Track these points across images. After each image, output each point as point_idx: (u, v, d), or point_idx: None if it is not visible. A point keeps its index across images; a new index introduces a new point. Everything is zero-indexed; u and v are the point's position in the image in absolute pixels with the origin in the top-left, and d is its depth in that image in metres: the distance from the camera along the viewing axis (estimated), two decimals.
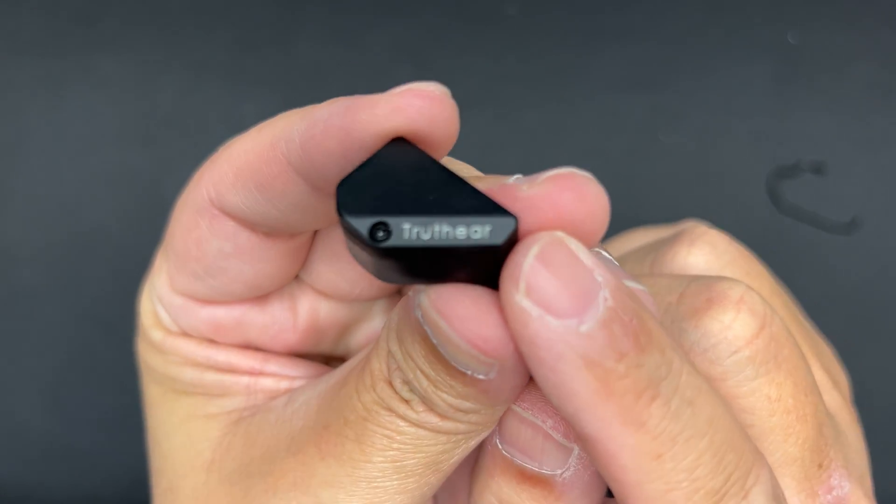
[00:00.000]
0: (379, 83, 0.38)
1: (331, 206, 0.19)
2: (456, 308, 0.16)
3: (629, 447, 0.15)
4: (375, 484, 0.18)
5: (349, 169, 0.16)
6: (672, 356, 0.15)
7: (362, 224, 0.15)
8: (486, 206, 0.15)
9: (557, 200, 0.15)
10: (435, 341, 0.16)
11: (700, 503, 0.15)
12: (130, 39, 0.38)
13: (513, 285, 0.15)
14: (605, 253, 0.17)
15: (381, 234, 0.15)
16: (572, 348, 0.14)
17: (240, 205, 0.20)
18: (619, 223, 0.37)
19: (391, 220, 0.15)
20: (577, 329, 0.14)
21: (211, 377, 0.22)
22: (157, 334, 0.23)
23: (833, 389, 0.22)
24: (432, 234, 0.15)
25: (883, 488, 0.35)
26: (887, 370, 0.37)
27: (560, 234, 0.15)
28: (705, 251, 0.22)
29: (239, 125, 0.38)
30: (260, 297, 0.23)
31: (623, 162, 0.38)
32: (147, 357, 0.23)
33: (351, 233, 0.15)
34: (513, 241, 0.15)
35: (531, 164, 0.38)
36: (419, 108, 0.16)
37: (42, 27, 0.39)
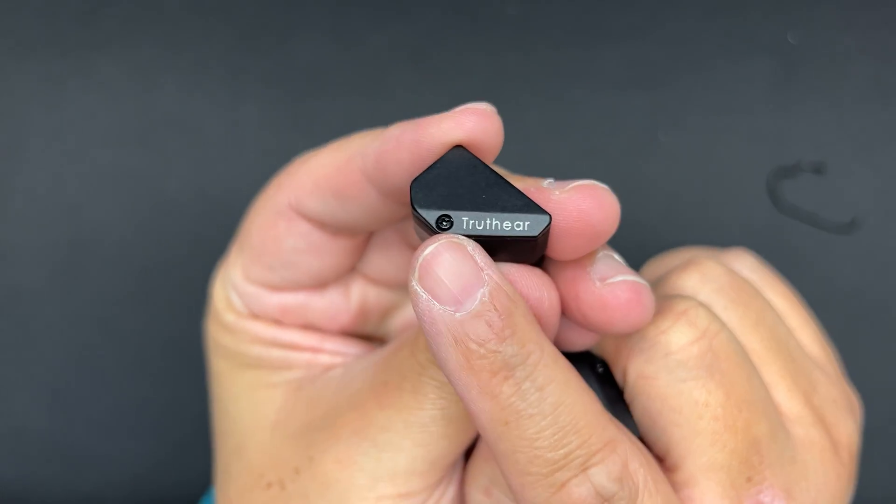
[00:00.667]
0: (379, 83, 0.38)
1: (393, 209, 0.23)
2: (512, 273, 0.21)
3: (485, 412, 0.19)
4: (425, 429, 0.23)
5: (417, 173, 0.20)
6: (532, 349, 0.19)
7: (430, 215, 0.19)
8: (527, 205, 0.20)
9: (581, 205, 0.20)
10: None
11: (540, 466, 0.19)
12: (130, 39, 0.39)
13: (410, 272, 0.19)
14: (614, 255, 0.22)
15: (445, 223, 0.19)
16: (447, 328, 0.19)
17: (316, 209, 0.24)
18: (620, 223, 0.37)
19: (453, 214, 0.20)
20: (452, 314, 0.19)
21: (276, 353, 0.26)
22: (230, 317, 0.27)
23: (813, 425, 0.23)
24: (485, 226, 0.19)
25: (884, 488, 0.35)
26: (887, 370, 0.37)
27: (461, 238, 0.19)
28: (694, 277, 0.24)
29: (239, 125, 0.38)
30: (321, 284, 0.26)
31: (623, 162, 0.38)
32: (218, 336, 0.27)
33: (421, 222, 0.20)
34: (546, 233, 0.20)
35: (531, 164, 0.38)
36: (475, 122, 0.20)
37: (42, 27, 0.39)
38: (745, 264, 0.26)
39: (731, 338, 0.22)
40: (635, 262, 0.37)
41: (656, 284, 0.25)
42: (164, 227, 0.38)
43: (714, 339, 0.22)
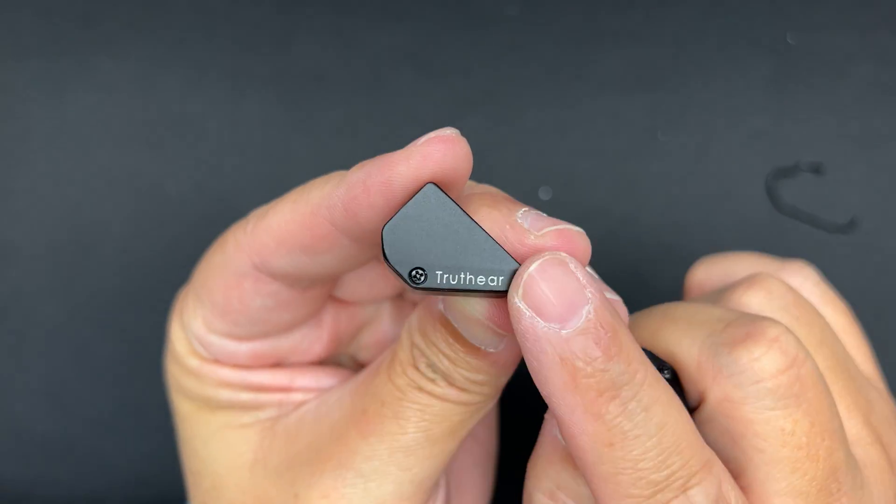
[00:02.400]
0: (379, 83, 0.38)
1: (368, 251, 0.23)
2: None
3: (588, 433, 0.19)
4: (410, 453, 0.23)
5: (390, 215, 0.20)
6: (637, 368, 0.19)
7: (404, 268, 0.19)
8: (501, 258, 0.20)
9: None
10: (457, 325, 0.21)
11: (642, 488, 0.19)
12: (131, 40, 0.38)
13: (514, 288, 0.19)
14: (590, 270, 0.21)
15: (419, 276, 0.19)
16: (552, 346, 0.19)
17: (284, 267, 0.23)
18: (620, 223, 0.37)
19: (427, 267, 0.19)
20: (559, 332, 0.18)
21: (246, 396, 0.25)
22: (193, 362, 0.26)
23: (872, 445, 0.23)
24: (459, 280, 0.19)
25: None
26: (887, 370, 0.38)
27: (563, 254, 0.19)
28: (759, 295, 0.24)
29: (239, 125, 0.38)
30: (292, 328, 0.26)
31: (623, 162, 0.38)
32: (181, 379, 0.26)
33: (394, 272, 0.19)
34: None
35: (531, 164, 0.38)
36: (443, 151, 0.20)
37: (43, 28, 0.39)
38: (807, 279, 0.26)
39: (815, 365, 0.22)
40: (634, 261, 0.37)
41: (720, 297, 0.25)
42: (165, 227, 0.38)
43: (802, 368, 0.21)
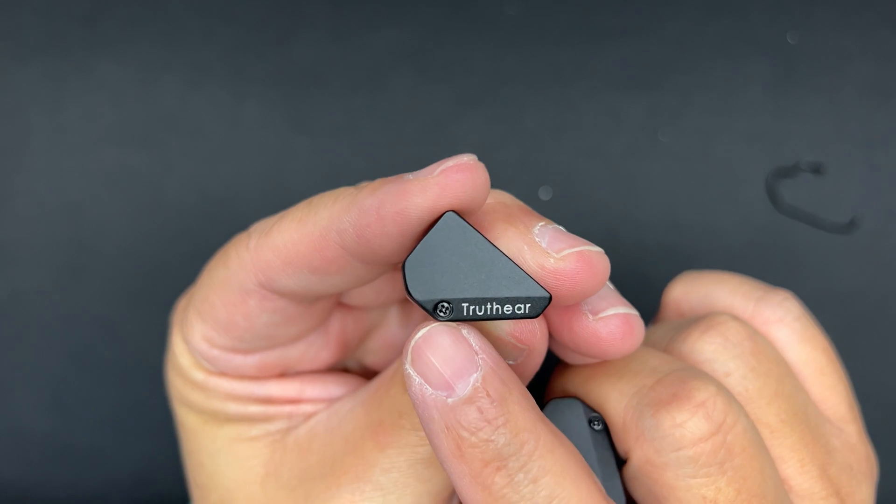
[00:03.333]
0: (379, 83, 0.38)
1: (380, 270, 0.22)
2: None
3: (477, 502, 0.19)
4: (429, 464, 0.22)
5: (406, 244, 0.20)
6: (526, 438, 0.19)
7: (428, 304, 0.19)
8: (526, 285, 0.19)
9: (576, 277, 0.20)
10: None
11: None
12: (130, 40, 0.38)
13: (404, 355, 0.19)
14: (610, 286, 0.22)
15: (445, 310, 0.19)
16: (439, 414, 0.18)
17: (291, 286, 0.22)
18: (620, 223, 0.37)
19: (452, 300, 0.19)
20: (445, 400, 0.18)
21: (254, 409, 0.25)
22: (198, 375, 0.25)
23: (825, 499, 0.23)
24: (486, 311, 0.19)
25: (884, 487, 0.35)
26: (887, 370, 0.38)
27: (452, 325, 0.19)
28: (715, 342, 0.23)
29: (239, 125, 0.38)
30: (298, 338, 0.25)
31: (623, 162, 0.38)
32: (185, 393, 0.25)
33: (420, 306, 0.19)
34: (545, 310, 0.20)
35: (531, 164, 0.38)
36: (461, 182, 0.19)
37: (43, 28, 0.39)
38: (788, 313, 0.25)
39: (747, 427, 0.21)
40: (634, 261, 0.37)
41: (676, 335, 0.24)
42: (165, 227, 0.38)
43: (730, 434, 0.21)
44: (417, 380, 0.19)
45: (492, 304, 0.19)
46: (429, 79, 0.38)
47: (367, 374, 0.28)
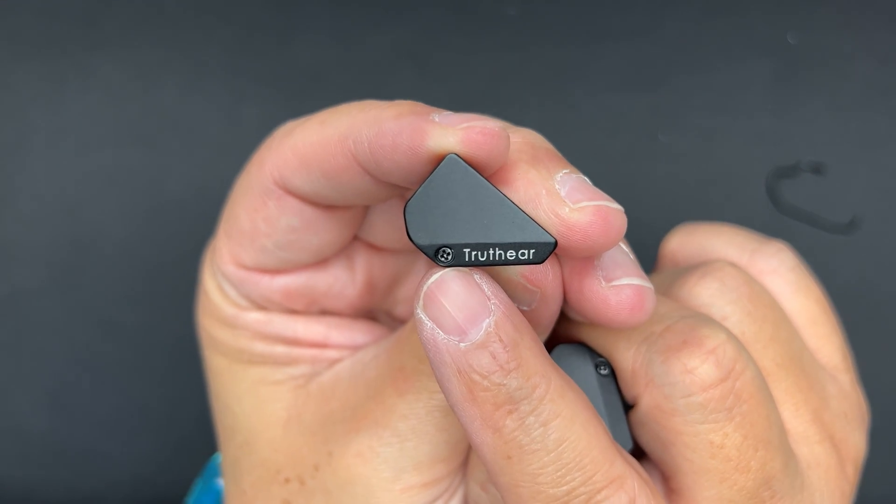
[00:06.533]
0: (379, 83, 0.38)
1: (391, 190, 0.22)
2: None
3: (487, 444, 0.19)
4: (447, 412, 0.22)
5: (415, 176, 0.19)
6: (538, 382, 0.19)
7: (430, 249, 0.19)
8: (531, 230, 0.19)
9: (588, 230, 0.19)
10: None
11: (542, 503, 0.19)
12: (130, 40, 0.38)
13: (416, 299, 0.19)
14: (622, 244, 0.21)
15: (446, 255, 0.19)
16: (451, 358, 0.18)
17: (304, 187, 0.22)
18: None
19: (453, 245, 0.19)
20: (457, 344, 0.18)
21: (280, 349, 0.25)
22: (229, 310, 0.25)
23: (819, 443, 0.23)
24: (488, 256, 0.19)
25: (884, 487, 0.35)
26: (887, 370, 0.38)
27: (465, 270, 0.19)
28: (712, 287, 0.23)
29: (239, 125, 0.38)
30: (322, 261, 0.25)
31: (623, 162, 0.38)
32: (214, 331, 0.26)
33: (420, 251, 0.19)
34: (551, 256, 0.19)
35: None
36: (480, 144, 0.19)
37: (43, 28, 0.39)
38: (782, 263, 0.25)
39: (755, 374, 0.21)
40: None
41: (673, 282, 0.24)
42: (164, 227, 0.38)
43: (738, 380, 0.21)
44: (429, 324, 0.19)
45: (494, 250, 0.19)
46: (429, 79, 0.38)
47: (398, 326, 0.28)
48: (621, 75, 0.38)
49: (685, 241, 0.27)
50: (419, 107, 0.20)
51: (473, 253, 0.19)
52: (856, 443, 0.24)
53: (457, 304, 0.18)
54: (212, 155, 0.38)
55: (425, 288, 0.19)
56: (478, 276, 0.19)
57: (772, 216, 0.38)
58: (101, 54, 0.38)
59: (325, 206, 0.23)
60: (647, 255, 0.37)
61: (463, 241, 0.19)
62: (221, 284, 0.25)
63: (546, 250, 0.19)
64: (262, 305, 0.25)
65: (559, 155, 0.21)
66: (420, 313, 0.19)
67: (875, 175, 0.37)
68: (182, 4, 0.39)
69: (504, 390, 0.18)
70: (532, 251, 0.19)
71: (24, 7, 0.39)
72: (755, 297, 0.23)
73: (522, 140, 0.21)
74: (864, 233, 0.37)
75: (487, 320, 0.18)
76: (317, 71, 0.38)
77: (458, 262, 0.19)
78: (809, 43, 0.38)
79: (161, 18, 0.39)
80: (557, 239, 0.19)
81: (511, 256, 0.19)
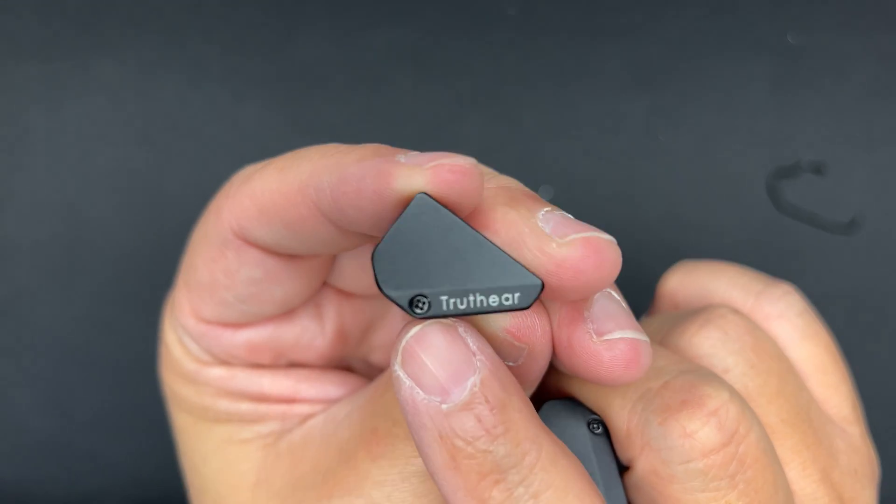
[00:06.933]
0: (379, 83, 0.38)
1: (356, 240, 0.20)
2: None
3: None
4: (424, 478, 0.20)
5: (380, 224, 0.18)
6: (528, 449, 0.17)
7: (402, 297, 0.17)
8: (514, 272, 0.17)
9: (580, 266, 0.17)
10: None
11: None
12: (130, 40, 0.38)
13: (393, 355, 0.17)
14: (614, 294, 0.19)
15: (422, 305, 0.17)
16: (432, 421, 0.17)
17: (265, 238, 0.21)
18: (620, 224, 0.37)
19: (429, 293, 0.17)
20: (439, 406, 0.17)
21: (246, 406, 0.24)
22: (190, 366, 0.24)
23: None
24: (468, 304, 0.17)
25: (883, 488, 0.35)
26: (887, 370, 0.37)
27: (450, 321, 0.17)
28: (713, 336, 0.22)
29: (239, 125, 0.38)
30: (289, 312, 0.24)
31: (623, 162, 0.38)
32: (177, 388, 0.24)
33: (393, 302, 0.17)
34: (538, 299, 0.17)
35: (531, 165, 0.38)
36: (451, 183, 0.17)
37: (42, 28, 0.39)
38: (790, 308, 0.24)
39: (761, 436, 0.20)
40: (635, 262, 0.37)
41: (672, 329, 0.23)
42: (165, 227, 0.38)
43: (742, 444, 0.19)
44: (408, 383, 0.17)
45: (475, 296, 0.17)
46: (429, 79, 0.38)
47: (374, 374, 0.26)
48: (621, 75, 0.38)
49: (685, 281, 0.25)
50: (384, 149, 0.18)
51: (452, 301, 0.17)
52: (865, 501, 0.23)
53: (439, 361, 0.17)
54: (212, 155, 0.38)
55: (404, 342, 0.17)
56: (462, 329, 0.17)
57: (772, 216, 0.38)
58: (101, 54, 0.38)
59: (288, 255, 0.22)
60: (648, 254, 0.37)
61: (439, 289, 0.17)
62: (182, 338, 0.24)
63: (532, 293, 0.17)
64: (225, 360, 0.24)
65: (538, 196, 0.20)
66: (398, 370, 0.17)
67: (875, 175, 0.37)
68: (182, 4, 0.39)
69: (490, 458, 0.17)
70: (517, 295, 0.17)
71: (24, 7, 0.39)
72: (759, 347, 0.22)
73: (497, 185, 0.20)
74: (865, 233, 0.37)
75: (472, 378, 0.17)
76: (317, 71, 0.38)
77: (435, 311, 0.17)
78: (809, 43, 0.38)
79: (161, 19, 0.39)
80: (546, 280, 0.17)
81: (494, 302, 0.17)
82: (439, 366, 0.17)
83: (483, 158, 0.38)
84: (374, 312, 0.25)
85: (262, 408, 0.24)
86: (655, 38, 0.38)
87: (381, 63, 0.38)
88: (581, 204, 0.37)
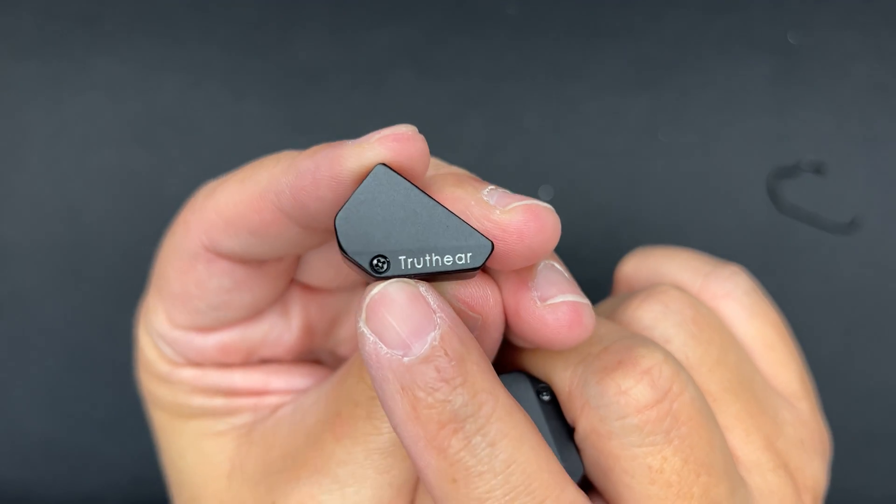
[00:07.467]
0: (379, 83, 0.38)
1: (320, 237, 0.21)
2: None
3: (431, 467, 0.18)
4: (386, 455, 0.21)
5: (341, 204, 0.19)
6: (485, 399, 0.18)
7: (363, 258, 0.18)
8: (466, 234, 0.18)
9: (523, 229, 0.19)
10: None
11: None
12: (130, 40, 0.38)
13: (357, 312, 0.18)
14: (556, 264, 0.21)
15: (381, 265, 0.18)
16: (394, 374, 0.18)
17: (233, 248, 0.22)
18: (620, 223, 0.37)
19: (388, 254, 0.18)
20: (401, 359, 0.18)
21: (219, 401, 0.25)
22: (163, 367, 0.25)
23: (773, 471, 0.22)
24: (424, 263, 0.18)
25: (884, 488, 0.35)
26: (887, 370, 0.37)
27: (410, 281, 0.18)
28: (655, 309, 0.23)
29: (239, 125, 0.38)
30: (257, 313, 0.25)
31: (623, 162, 0.38)
32: (152, 387, 0.25)
33: (353, 263, 0.18)
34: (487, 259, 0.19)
35: (531, 165, 0.38)
36: (398, 150, 0.18)
37: (42, 28, 0.39)
38: (737, 287, 0.24)
39: (695, 396, 0.20)
40: None
41: (618, 305, 0.24)
42: (165, 228, 0.38)
43: (676, 402, 0.20)
44: (372, 338, 0.18)
45: (431, 256, 0.18)
46: (429, 78, 0.38)
47: (341, 365, 0.27)
48: (621, 75, 0.38)
49: (639, 266, 0.26)
50: (332, 143, 0.20)
51: (409, 260, 0.18)
52: (814, 472, 0.23)
53: (401, 317, 0.18)
54: (212, 155, 0.38)
55: (367, 300, 0.18)
56: (423, 289, 0.18)
57: (772, 216, 0.38)
58: (101, 53, 0.38)
59: (256, 262, 0.23)
60: None
61: (397, 248, 0.18)
62: (156, 342, 0.25)
63: (483, 253, 0.18)
64: (197, 362, 0.25)
65: (482, 180, 0.21)
66: (362, 327, 0.18)
67: (875, 175, 0.37)
68: (182, 4, 0.39)
69: (449, 407, 0.18)
70: (469, 255, 0.18)
71: (24, 6, 0.39)
72: (700, 319, 0.23)
73: (447, 171, 0.21)
74: (865, 233, 0.37)
75: (433, 333, 0.18)
76: (317, 71, 0.38)
77: (394, 271, 0.18)
78: (810, 42, 0.38)
79: (161, 18, 0.39)
80: (494, 244, 0.19)
81: (448, 262, 0.18)
82: (401, 321, 0.18)
83: (483, 158, 0.39)
84: (340, 307, 0.26)
85: (235, 402, 0.25)
86: (655, 38, 0.38)
87: (381, 63, 0.38)
88: (581, 204, 0.37)
